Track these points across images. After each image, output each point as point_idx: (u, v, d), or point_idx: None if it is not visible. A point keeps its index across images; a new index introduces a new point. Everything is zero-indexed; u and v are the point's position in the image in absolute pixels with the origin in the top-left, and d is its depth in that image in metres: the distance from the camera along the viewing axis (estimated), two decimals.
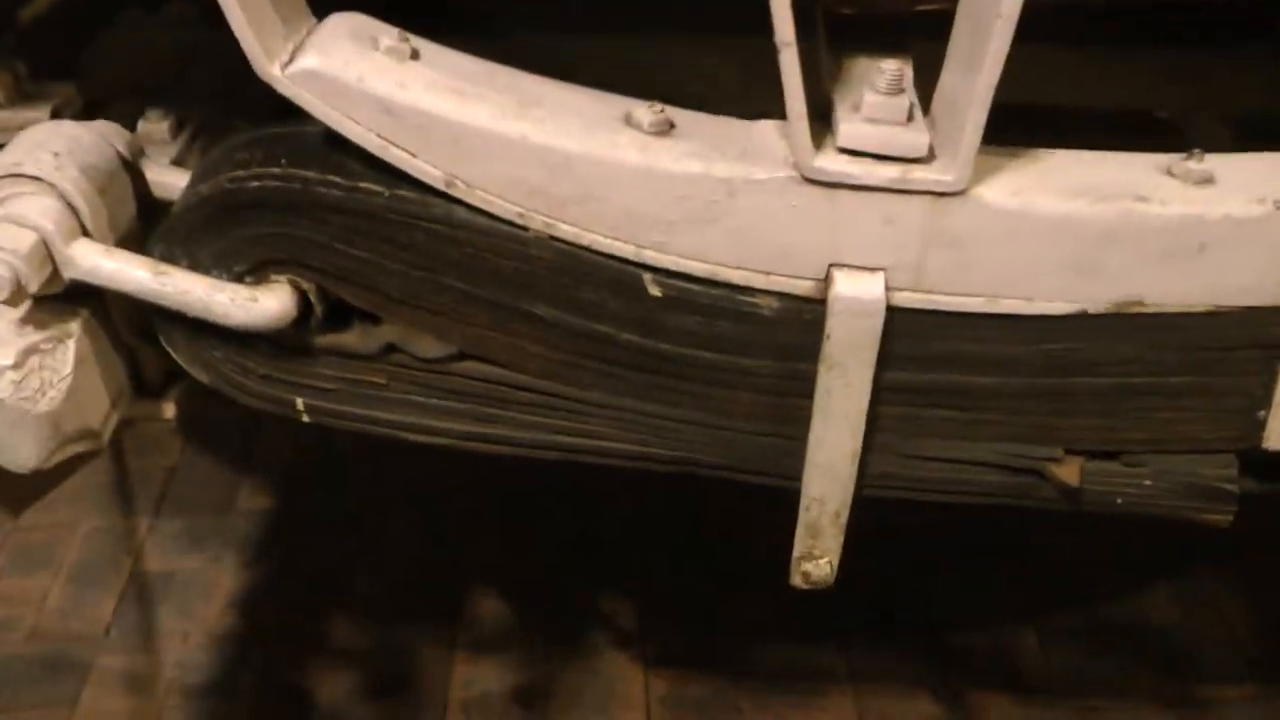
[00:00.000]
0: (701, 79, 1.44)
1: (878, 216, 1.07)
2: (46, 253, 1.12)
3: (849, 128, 1.04)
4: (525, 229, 1.11)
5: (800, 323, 1.13)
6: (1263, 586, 2.29)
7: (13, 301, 1.11)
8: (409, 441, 1.26)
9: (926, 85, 1.09)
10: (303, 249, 1.15)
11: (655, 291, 1.12)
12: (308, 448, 2.61)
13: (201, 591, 2.31)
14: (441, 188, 1.10)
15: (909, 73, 1.06)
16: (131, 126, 1.30)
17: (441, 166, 1.09)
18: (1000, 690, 2.12)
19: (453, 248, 1.13)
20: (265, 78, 1.07)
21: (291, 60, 1.07)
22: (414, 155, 1.08)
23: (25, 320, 1.17)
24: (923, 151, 1.04)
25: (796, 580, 1.27)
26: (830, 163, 1.05)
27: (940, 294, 1.11)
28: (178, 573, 2.35)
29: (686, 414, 1.20)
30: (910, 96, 1.05)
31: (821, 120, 1.07)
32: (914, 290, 1.11)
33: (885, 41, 1.13)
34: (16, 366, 1.14)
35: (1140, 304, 1.11)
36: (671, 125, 1.10)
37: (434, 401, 1.23)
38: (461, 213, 1.11)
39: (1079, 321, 1.12)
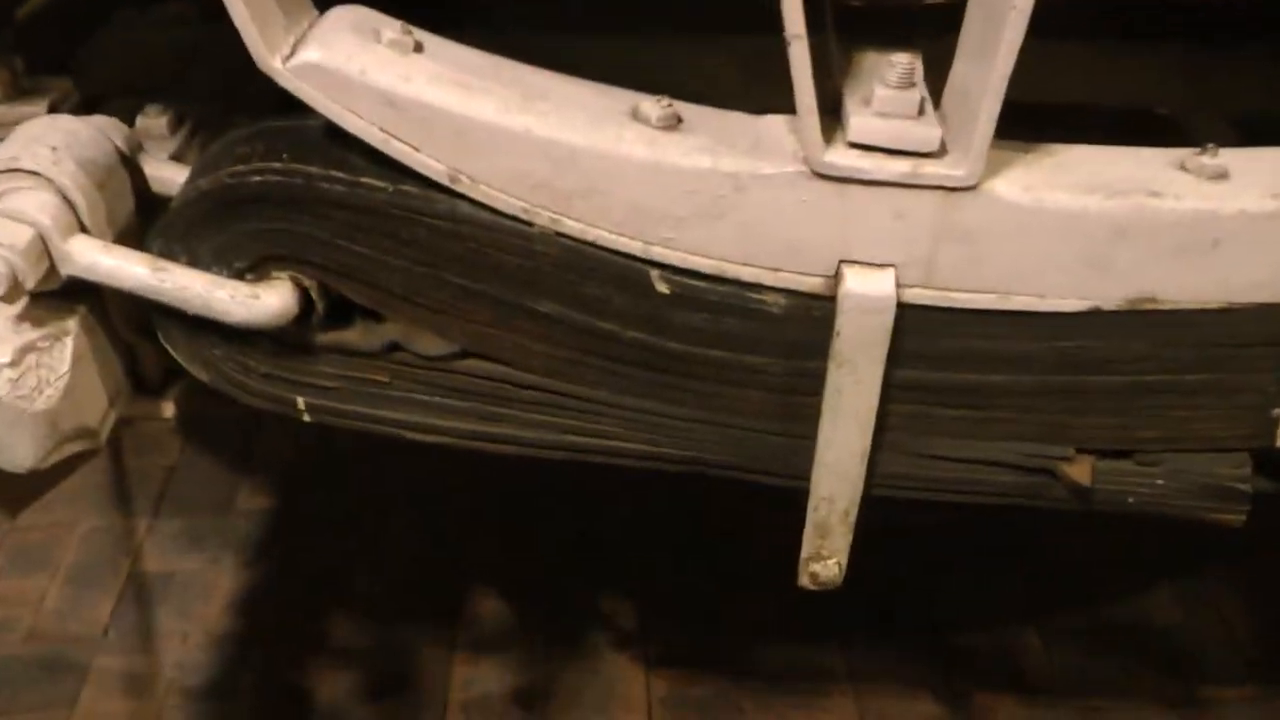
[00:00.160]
0: (701, 78, 1.43)
1: (888, 212, 1.06)
2: (44, 248, 1.11)
3: (860, 122, 1.03)
4: (530, 224, 1.10)
5: (809, 320, 1.11)
6: (1264, 587, 2.28)
7: (9, 298, 1.10)
8: (411, 441, 1.24)
9: (930, 81, 1.08)
10: (304, 245, 1.13)
11: (662, 288, 1.11)
12: (307, 447, 2.60)
13: (200, 592, 2.29)
14: (445, 182, 1.08)
15: (919, 66, 1.05)
16: (129, 123, 1.28)
17: (445, 161, 1.07)
18: (1003, 690, 2.11)
19: (456, 243, 1.11)
20: (266, 71, 1.05)
21: (293, 53, 1.06)
22: (417, 149, 1.07)
23: (22, 317, 1.15)
24: (934, 146, 1.03)
25: (804, 581, 1.25)
26: (841, 157, 1.04)
27: (951, 290, 1.10)
28: (177, 573, 2.33)
29: (693, 413, 1.19)
30: (921, 90, 1.04)
31: (831, 115, 1.05)
32: (925, 287, 1.09)
33: (893, 35, 1.12)
34: (13, 364, 1.12)
35: (1153, 301, 1.10)
36: (679, 119, 1.08)
37: (437, 400, 1.22)
38: (465, 208, 1.10)
39: (1091, 319, 1.11)
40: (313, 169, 1.10)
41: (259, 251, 1.14)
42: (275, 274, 1.15)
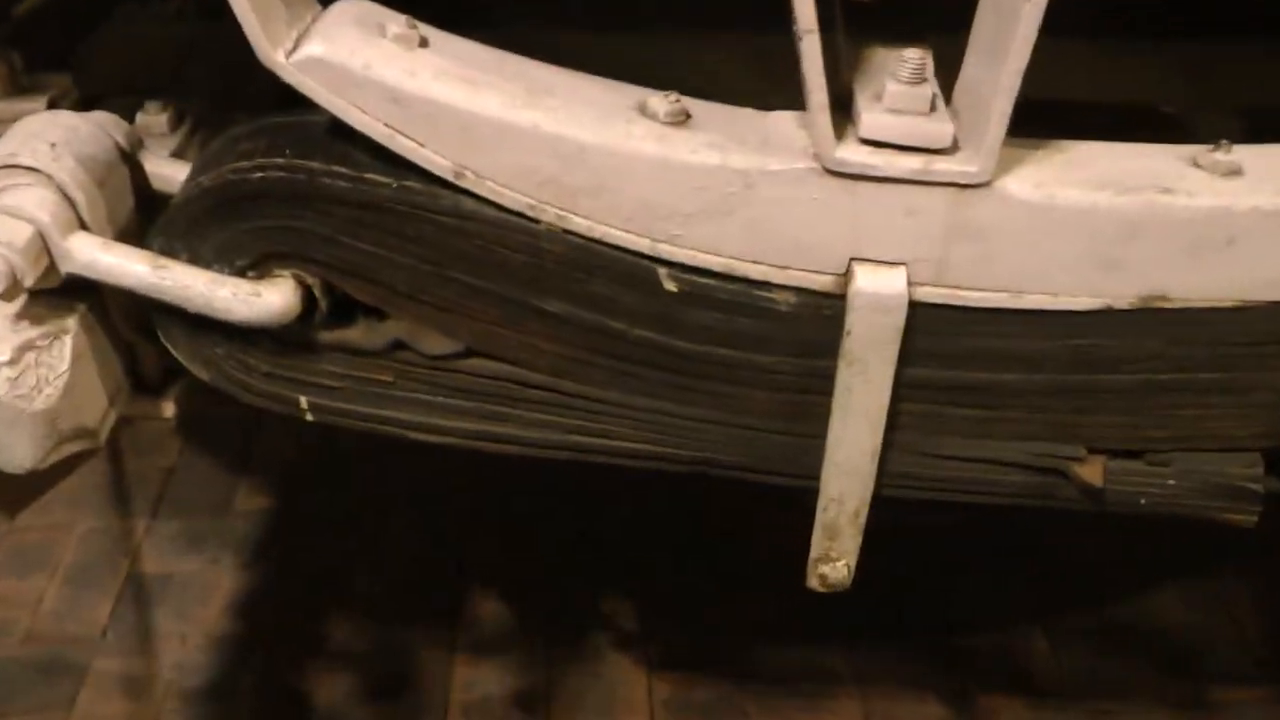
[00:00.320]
0: (701, 75, 1.41)
1: (900, 209, 1.04)
2: (43, 246, 1.09)
3: (871, 118, 1.02)
4: (536, 221, 1.08)
5: (819, 318, 1.10)
6: (1274, 588, 2.27)
7: (8, 296, 1.08)
8: (415, 441, 1.23)
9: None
10: (307, 242, 1.12)
11: (671, 286, 1.10)
12: (307, 448, 2.59)
13: (199, 593, 2.28)
14: (450, 178, 1.07)
15: (930, 62, 1.04)
16: (129, 120, 1.27)
17: (450, 156, 1.06)
18: (1010, 692, 2.10)
19: (461, 240, 1.10)
20: (269, 65, 1.04)
21: (296, 47, 1.04)
22: (422, 145, 1.06)
23: (21, 315, 1.14)
24: (946, 142, 1.02)
25: (813, 583, 1.24)
26: (852, 154, 1.02)
27: (963, 289, 1.08)
28: (175, 574, 2.32)
29: (701, 412, 1.18)
30: (933, 86, 1.03)
31: (840, 111, 1.04)
32: (936, 285, 1.08)
33: (898, 32, 1.11)
34: (12, 363, 1.11)
35: (1166, 299, 1.09)
36: (687, 115, 1.07)
37: (441, 400, 1.20)
38: (470, 204, 1.08)
39: (1103, 317, 1.10)
40: (315, 165, 1.09)
41: (261, 249, 1.13)
42: (278, 272, 1.14)
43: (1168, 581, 2.29)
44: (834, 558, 1.22)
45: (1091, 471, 1.17)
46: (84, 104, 1.37)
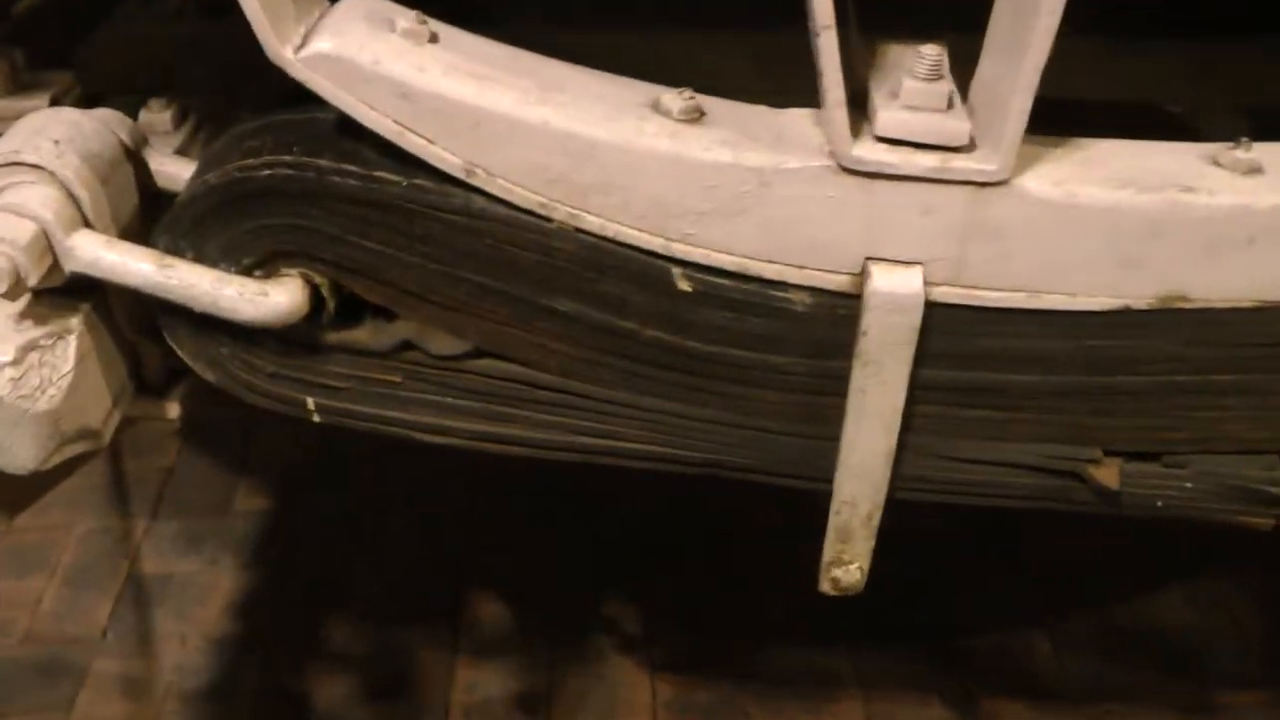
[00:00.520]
0: (700, 74, 1.40)
1: (916, 207, 1.03)
2: (47, 244, 1.08)
3: (888, 115, 1.01)
4: (548, 219, 1.07)
5: (834, 319, 1.09)
6: (1277, 589, 2.26)
7: (11, 295, 1.07)
8: (422, 442, 1.21)
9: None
10: (315, 241, 1.10)
11: (684, 286, 1.08)
12: (307, 448, 2.57)
13: (199, 594, 2.27)
14: (461, 176, 1.05)
15: (946, 59, 1.02)
16: (132, 118, 1.25)
17: (461, 154, 1.04)
18: (1013, 695, 2.09)
19: (472, 239, 1.08)
20: (277, 61, 1.02)
21: (304, 43, 1.03)
22: (432, 142, 1.04)
23: (24, 315, 1.12)
24: (964, 139, 1.01)
25: (825, 587, 1.23)
26: (868, 152, 1.01)
27: (980, 289, 1.07)
28: (175, 575, 2.31)
29: (713, 414, 1.16)
30: (950, 83, 1.01)
31: (855, 108, 1.02)
32: (953, 285, 1.07)
33: (914, 27, 1.09)
34: (15, 363, 1.09)
35: (1184, 299, 1.08)
36: (701, 113, 1.06)
37: (449, 400, 1.19)
38: (481, 202, 1.07)
39: (1121, 317, 1.09)
40: (324, 162, 1.07)
41: (268, 247, 1.12)
42: (284, 271, 1.12)
43: (1171, 584, 2.29)
44: (847, 561, 1.21)
45: (1107, 474, 1.16)
46: (86, 102, 1.35)
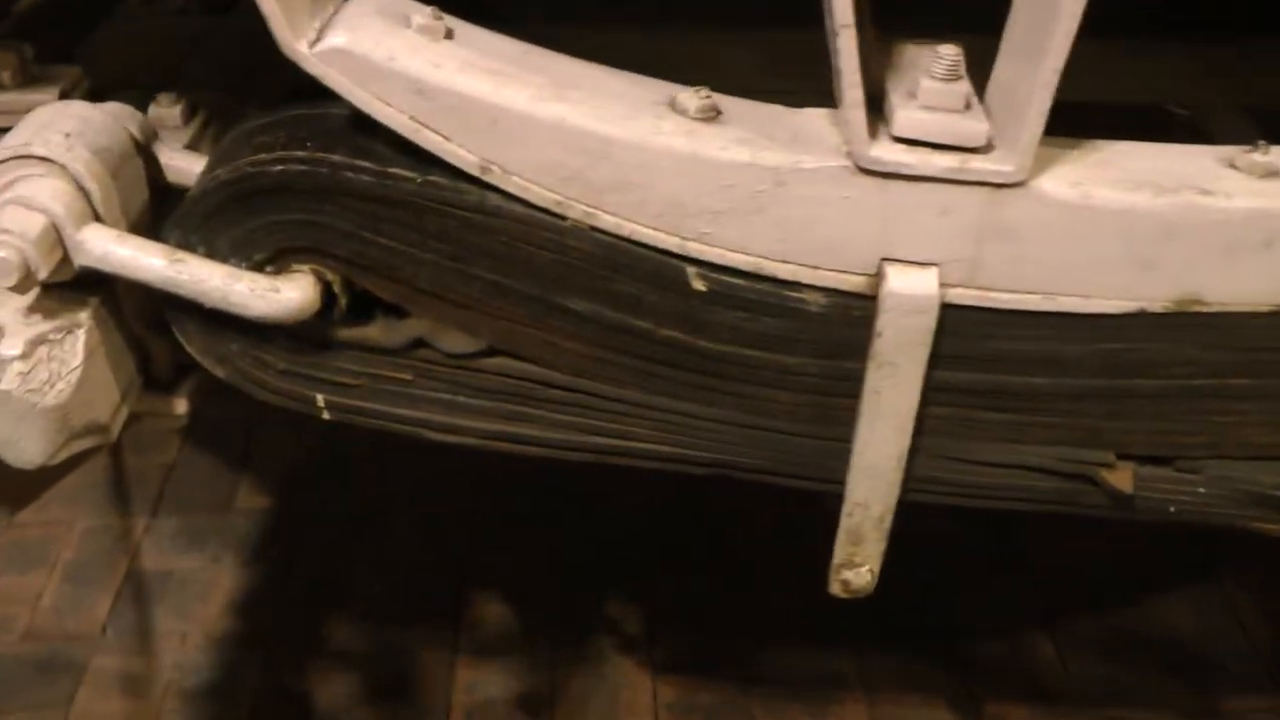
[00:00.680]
0: (704, 71, 1.40)
1: (933, 208, 1.03)
2: (57, 237, 1.07)
3: (905, 115, 1.00)
4: (563, 218, 1.06)
5: (848, 319, 1.08)
6: None
7: (20, 289, 1.06)
8: (433, 440, 1.21)
9: None
10: (327, 237, 1.10)
11: (699, 286, 1.08)
12: (309, 446, 2.57)
13: (199, 592, 2.26)
14: (476, 173, 1.05)
15: (963, 59, 1.02)
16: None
17: (476, 151, 1.04)
18: (1017, 699, 2.09)
19: (486, 237, 1.08)
20: (291, 56, 1.01)
21: (319, 38, 1.02)
22: (447, 139, 1.03)
23: (33, 309, 1.11)
24: (982, 140, 1.00)
25: (835, 589, 1.23)
26: (885, 152, 1.01)
27: (995, 290, 1.07)
28: (175, 572, 2.30)
29: (726, 414, 1.16)
30: (968, 84, 1.01)
31: (872, 108, 1.02)
32: (968, 286, 1.07)
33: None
34: (24, 357, 1.08)
35: (1200, 302, 1.07)
36: (717, 111, 1.06)
37: (461, 399, 1.18)
38: (496, 200, 1.06)
39: (1137, 320, 1.08)
40: (338, 158, 1.06)
41: (280, 243, 1.11)
42: (296, 267, 1.12)
43: (1177, 588, 2.28)
44: (858, 563, 1.21)
45: (1121, 478, 1.16)
46: (91, 97, 1.34)
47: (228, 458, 2.56)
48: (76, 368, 1.12)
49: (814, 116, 1.07)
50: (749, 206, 1.04)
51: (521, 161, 1.04)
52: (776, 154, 1.03)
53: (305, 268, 1.12)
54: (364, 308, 1.16)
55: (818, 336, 1.10)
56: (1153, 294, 1.07)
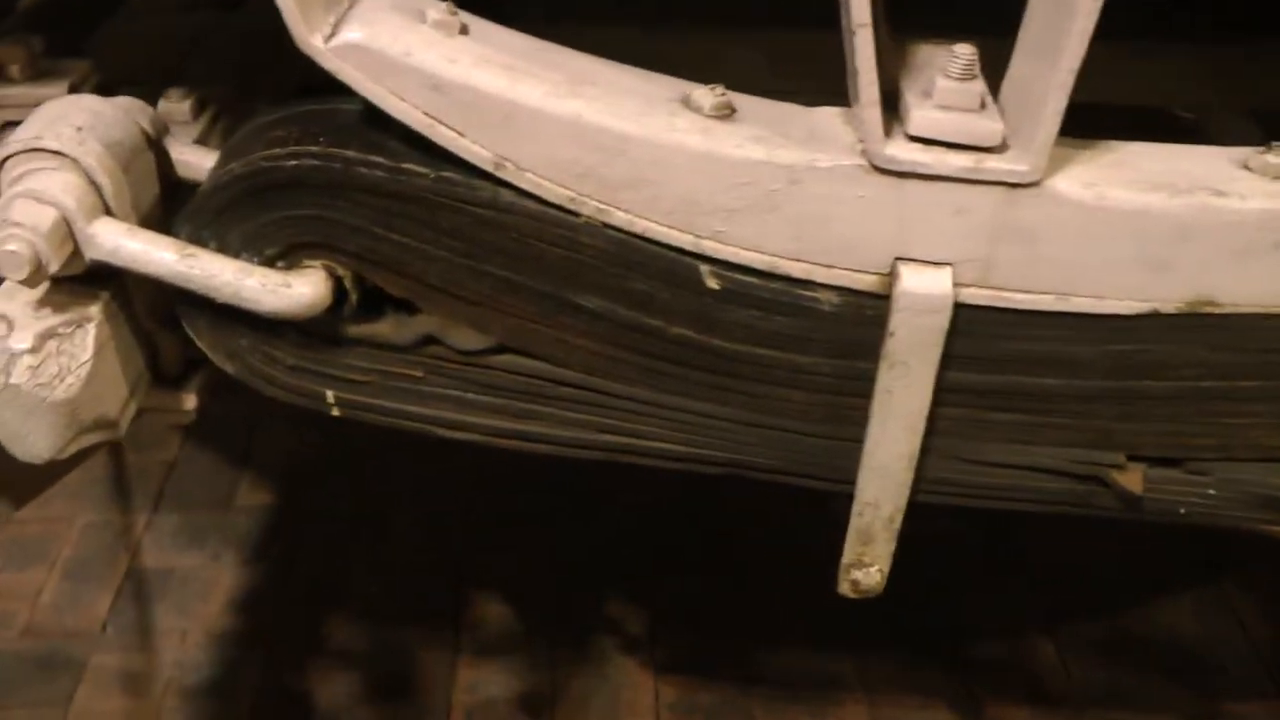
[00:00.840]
0: (703, 71, 1.40)
1: (948, 208, 1.03)
2: (68, 231, 1.06)
3: (921, 114, 1.00)
4: (576, 215, 1.06)
5: (861, 319, 1.08)
6: None
7: (31, 282, 1.06)
8: (442, 438, 1.20)
9: None
10: (339, 232, 1.09)
11: (712, 284, 1.07)
12: (310, 445, 2.56)
13: (200, 589, 2.26)
14: (489, 169, 1.04)
15: (978, 59, 1.02)
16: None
17: (490, 147, 1.03)
18: (1018, 701, 2.09)
19: (498, 233, 1.08)
20: (306, 51, 1.01)
21: (334, 33, 1.02)
22: (461, 134, 1.03)
23: (43, 302, 1.11)
24: (997, 140, 1.00)
25: (844, 589, 1.22)
26: (901, 151, 1.01)
27: (1008, 290, 1.07)
28: (176, 570, 2.30)
29: (737, 413, 1.16)
30: (982, 83, 1.01)
31: (886, 108, 1.02)
32: (981, 286, 1.06)
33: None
34: (34, 351, 1.08)
35: (1213, 304, 1.07)
36: (732, 109, 1.05)
37: (471, 396, 1.18)
38: (509, 196, 1.06)
39: (1149, 322, 1.08)
40: (351, 154, 1.06)
41: (291, 238, 1.10)
42: (307, 262, 1.11)
43: (1179, 590, 2.28)
44: (867, 563, 1.20)
45: (1131, 479, 1.16)
46: (100, 91, 1.34)
47: (229, 455, 2.56)
48: (86, 362, 1.11)
49: (829, 115, 1.07)
50: (763, 205, 1.04)
51: (535, 157, 1.04)
52: (791, 152, 1.02)
53: (317, 263, 1.11)
54: (374, 304, 1.16)
55: (830, 336, 1.10)
56: (1166, 295, 1.07)
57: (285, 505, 2.45)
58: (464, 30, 1.05)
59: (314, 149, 1.07)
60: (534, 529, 2.38)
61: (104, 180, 1.09)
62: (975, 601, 2.25)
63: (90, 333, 1.12)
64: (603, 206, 1.05)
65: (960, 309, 1.06)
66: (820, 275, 1.07)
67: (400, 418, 1.20)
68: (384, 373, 1.17)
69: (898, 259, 1.05)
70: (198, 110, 1.28)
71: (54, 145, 1.07)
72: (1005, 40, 1.04)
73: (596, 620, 2.22)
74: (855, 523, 1.18)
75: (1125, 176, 1.04)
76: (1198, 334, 1.09)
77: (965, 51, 0.99)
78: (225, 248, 1.11)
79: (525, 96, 1.02)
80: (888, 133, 1.01)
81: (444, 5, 1.05)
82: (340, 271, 1.12)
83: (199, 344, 1.18)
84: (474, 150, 1.04)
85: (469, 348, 1.15)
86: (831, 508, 1.22)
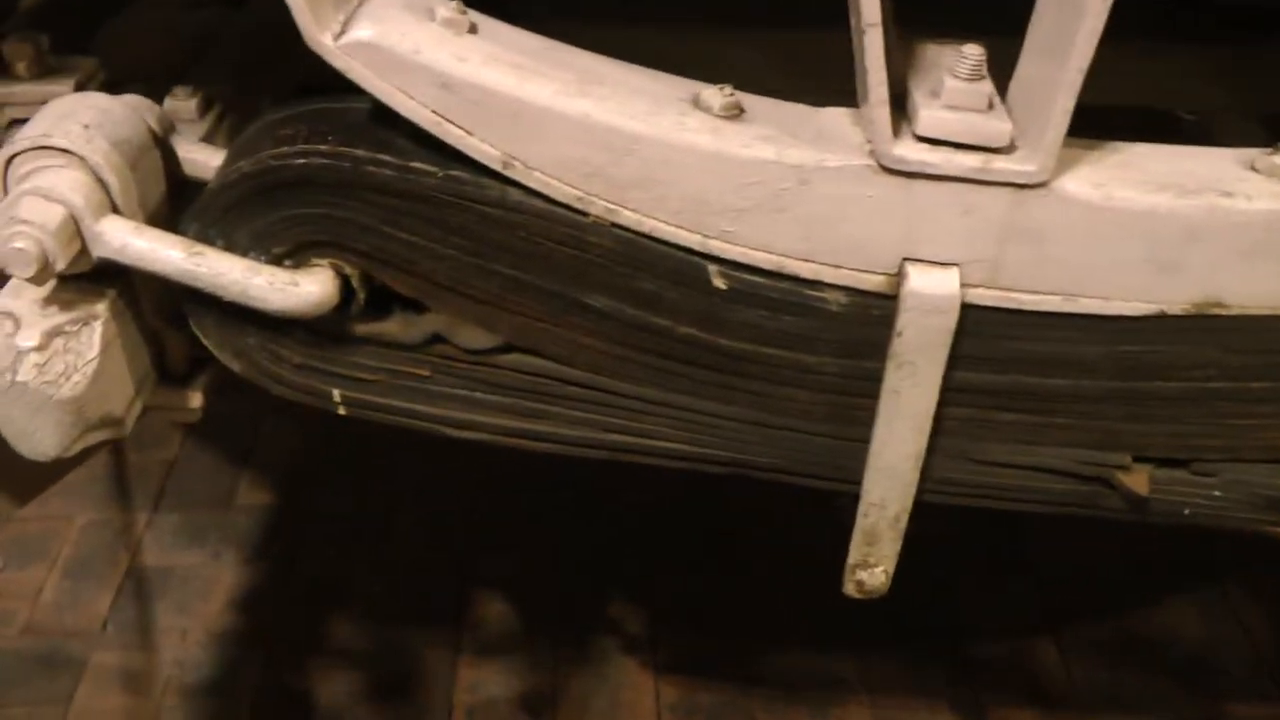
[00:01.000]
0: (705, 71, 1.40)
1: (956, 208, 1.03)
2: (75, 229, 1.06)
3: (929, 114, 1.00)
4: (584, 214, 1.06)
5: (869, 319, 1.08)
6: None
7: (38, 280, 1.06)
8: (449, 437, 1.20)
9: None
10: (347, 231, 1.09)
11: (720, 284, 1.07)
12: (311, 442, 2.56)
13: (200, 588, 2.25)
14: (498, 168, 1.04)
15: (985, 59, 1.02)
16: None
17: (499, 146, 1.03)
18: (1020, 702, 2.09)
19: (506, 232, 1.08)
20: (315, 48, 1.01)
21: (344, 31, 1.01)
22: (470, 133, 1.03)
23: (50, 300, 1.11)
24: (1005, 140, 1.00)
25: (849, 589, 1.22)
26: (909, 151, 1.01)
27: (1016, 291, 1.07)
28: (176, 568, 2.29)
29: (744, 413, 1.16)
30: (990, 83, 1.01)
31: (895, 108, 1.02)
32: (989, 287, 1.07)
33: (951, 26, 1.09)
34: (40, 349, 1.08)
35: (1220, 305, 1.08)
36: (741, 109, 1.05)
37: (479, 395, 1.18)
38: (517, 195, 1.06)
39: (1156, 323, 1.08)
40: (360, 153, 1.06)
41: (300, 237, 1.10)
42: (315, 261, 1.11)
43: (1182, 592, 2.28)
44: (872, 563, 1.20)
45: (1137, 481, 1.16)
46: (105, 89, 1.34)
47: (230, 454, 2.55)
48: (92, 360, 1.11)
49: (837, 115, 1.07)
50: (772, 204, 1.04)
51: (544, 157, 1.04)
52: (800, 152, 1.02)
53: (324, 262, 1.11)
54: (382, 303, 1.16)
55: (838, 336, 1.10)
56: (1173, 296, 1.07)
57: (286, 504, 2.44)
58: (473, 29, 1.05)
59: (323, 147, 1.07)
60: (536, 528, 2.38)
61: (111, 178, 1.09)
62: (978, 602, 2.25)
63: (97, 330, 1.12)
64: (611, 206, 1.05)
65: (968, 309, 1.07)
66: (828, 275, 1.07)
67: (407, 417, 1.20)
68: (391, 371, 1.17)
69: (905, 259, 1.05)
70: (204, 108, 1.28)
71: (62, 143, 1.07)
72: (1013, 40, 1.04)
73: (598, 620, 2.22)
74: (861, 523, 1.18)
75: (1133, 177, 1.04)
76: (1205, 335, 1.09)
77: (973, 52, 0.99)
78: (233, 246, 1.11)
79: (534, 95, 1.02)
80: (896, 133, 1.01)
81: (453, 3, 1.05)
82: (348, 270, 1.12)
83: (205, 342, 1.17)
84: (482, 149, 1.04)
85: (476, 347, 1.15)
86: (836, 507, 1.22)
